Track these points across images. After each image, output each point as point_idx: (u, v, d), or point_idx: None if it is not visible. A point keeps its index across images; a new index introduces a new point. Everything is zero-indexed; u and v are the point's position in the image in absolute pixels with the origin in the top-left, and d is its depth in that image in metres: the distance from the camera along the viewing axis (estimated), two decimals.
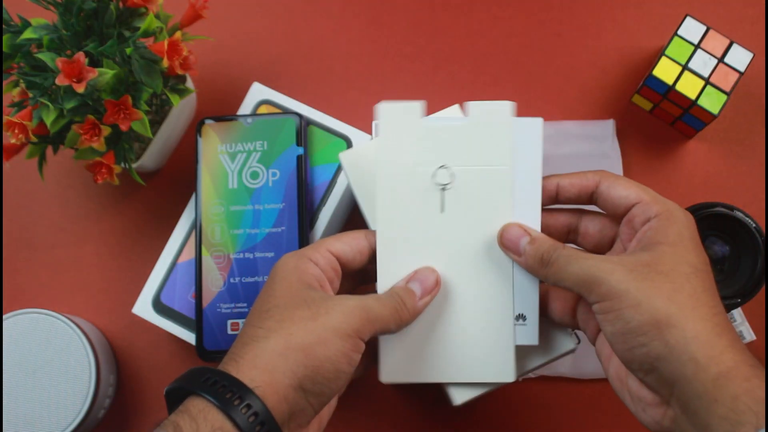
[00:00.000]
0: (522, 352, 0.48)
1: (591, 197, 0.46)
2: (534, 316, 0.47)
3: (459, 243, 0.47)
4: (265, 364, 0.39)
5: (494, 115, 0.47)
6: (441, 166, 0.48)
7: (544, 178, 0.47)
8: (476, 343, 0.48)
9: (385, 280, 0.47)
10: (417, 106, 0.48)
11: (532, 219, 0.47)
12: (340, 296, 0.43)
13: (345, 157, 0.51)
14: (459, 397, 0.48)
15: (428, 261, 0.47)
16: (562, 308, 0.47)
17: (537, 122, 0.47)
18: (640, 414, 0.41)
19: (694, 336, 0.38)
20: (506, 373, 0.48)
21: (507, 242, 0.46)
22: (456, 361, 0.48)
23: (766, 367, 0.37)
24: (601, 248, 0.47)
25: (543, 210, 0.47)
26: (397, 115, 0.48)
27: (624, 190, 0.44)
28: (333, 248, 0.46)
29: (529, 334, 0.47)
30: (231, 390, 0.38)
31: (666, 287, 0.39)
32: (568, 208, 0.48)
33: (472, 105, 0.48)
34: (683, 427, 0.38)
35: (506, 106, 0.47)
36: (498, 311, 0.47)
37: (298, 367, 0.39)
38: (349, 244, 0.46)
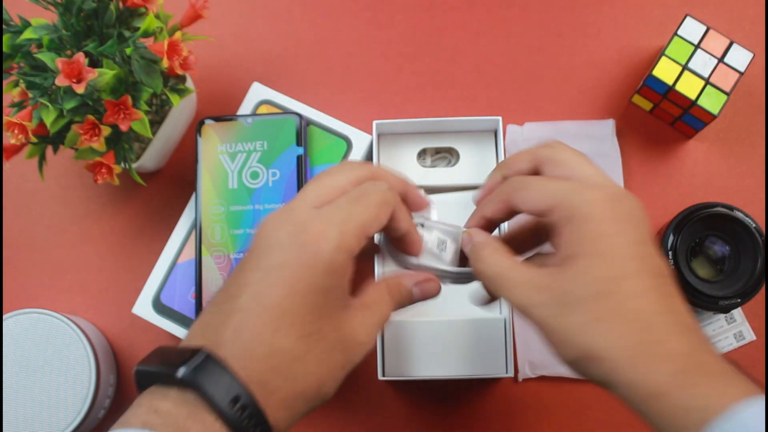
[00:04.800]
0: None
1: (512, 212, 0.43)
2: None
3: None
4: (293, 409, 0.37)
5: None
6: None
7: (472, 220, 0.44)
8: None
9: None
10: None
11: None
12: (365, 332, 0.40)
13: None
14: None
15: None
16: None
17: None
18: None
19: (621, 365, 0.36)
20: None
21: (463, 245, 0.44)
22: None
23: (766, 367, 0.37)
24: None
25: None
26: None
27: (530, 200, 0.41)
28: (371, 233, 0.40)
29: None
30: (255, 425, 0.36)
31: (584, 319, 0.37)
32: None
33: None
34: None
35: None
36: None
37: (314, 402, 0.38)
38: (382, 224, 0.40)
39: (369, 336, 0.40)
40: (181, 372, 0.35)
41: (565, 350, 0.37)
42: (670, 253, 0.58)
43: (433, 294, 0.44)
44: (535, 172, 0.43)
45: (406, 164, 0.63)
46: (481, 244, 0.42)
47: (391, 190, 0.41)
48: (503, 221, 0.44)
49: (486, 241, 0.42)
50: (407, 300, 0.43)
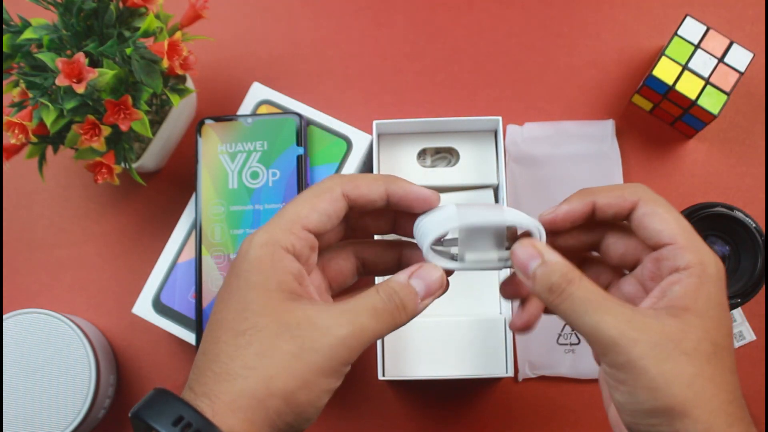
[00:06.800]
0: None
1: (628, 218, 0.41)
2: None
3: None
4: (245, 412, 0.36)
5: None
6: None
7: (579, 194, 0.41)
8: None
9: None
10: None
11: None
12: (329, 316, 0.37)
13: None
14: None
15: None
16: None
17: None
18: None
19: (706, 429, 0.35)
20: None
21: (517, 262, 0.39)
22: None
23: (766, 367, 0.37)
24: (622, 268, 0.43)
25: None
26: None
27: (659, 224, 0.39)
28: (310, 224, 0.39)
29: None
30: None
31: (687, 371, 0.35)
32: (591, 224, 0.43)
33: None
34: None
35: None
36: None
37: (279, 416, 0.36)
38: (327, 213, 0.40)
39: (335, 321, 0.37)
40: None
41: (655, 396, 0.35)
42: None
43: (435, 281, 0.40)
44: (630, 206, 0.40)
45: (406, 164, 0.63)
46: (566, 265, 0.39)
47: (334, 178, 0.41)
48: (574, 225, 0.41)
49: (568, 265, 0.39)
50: (408, 295, 0.39)
